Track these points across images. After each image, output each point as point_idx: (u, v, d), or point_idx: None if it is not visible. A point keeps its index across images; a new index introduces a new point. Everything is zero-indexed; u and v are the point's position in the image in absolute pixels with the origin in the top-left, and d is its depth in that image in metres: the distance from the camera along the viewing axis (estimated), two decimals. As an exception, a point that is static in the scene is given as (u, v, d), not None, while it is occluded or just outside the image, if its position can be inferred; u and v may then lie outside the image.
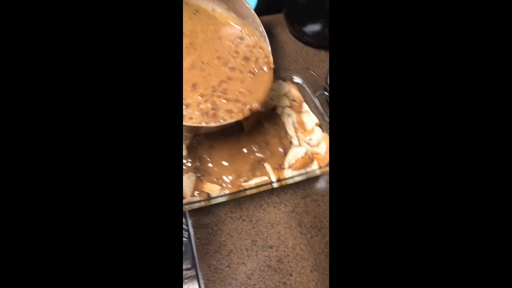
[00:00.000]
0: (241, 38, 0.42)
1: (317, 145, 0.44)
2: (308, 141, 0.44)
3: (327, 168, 0.40)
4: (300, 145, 0.43)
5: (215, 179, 0.39)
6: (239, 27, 0.42)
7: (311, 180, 0.44)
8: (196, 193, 0.38)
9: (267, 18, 0.60)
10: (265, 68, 0.40)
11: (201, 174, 0.39)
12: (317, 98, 0.46)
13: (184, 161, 0.40)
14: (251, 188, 0.38)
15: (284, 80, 0.48)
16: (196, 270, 0.37)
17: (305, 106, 0.47)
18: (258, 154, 0.41)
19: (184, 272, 0.39)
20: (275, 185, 0.39)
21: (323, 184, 0.44)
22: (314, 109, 0.46)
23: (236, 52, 0.41)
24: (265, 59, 0.40)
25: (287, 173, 0.41)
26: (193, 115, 0.35)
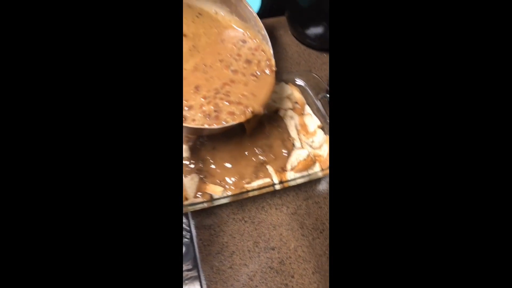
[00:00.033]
0: (244, 41, 0.42)
1: (319, 147, 0.44)
2: (310, 144, 0.44)
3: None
4: (302, 147, 0.44)
5: (218, 181, 0.40)
6: (241, 30, 0.43)
7: (313, 182, 0.44)
8: (198, 194, 0.38)
9: (269, 20, 0.60)
10: (267, 71, 0.40)
11: (204, 175, 0.40)
12: (320, 100, 0.46)
13: (187, 162, 0.40)
14: (253, 189, 0.38)
15: (287, 83, 0.48)
16: (198, 271, 0.38)
17: (308, 109, 0.47)
18: (260, 156, 0.41)
19: (186, 273, 0.39)
20: (277, 187, 0.39)
21: (325, 186, 0.44)
22: (316, 111, 0.46)
23: (239, 55, 0.41)
24: (267, 61, 0.41)
25: (290, 175, 0.41)
26: (196, 117, 0.36)
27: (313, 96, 0.47)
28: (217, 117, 0.36)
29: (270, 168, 0.41)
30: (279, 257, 0.39)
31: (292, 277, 0.38)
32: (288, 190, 0.43)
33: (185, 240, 0.41)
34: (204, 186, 0.39)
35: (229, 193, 0.39)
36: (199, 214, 0.40)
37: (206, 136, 0.42)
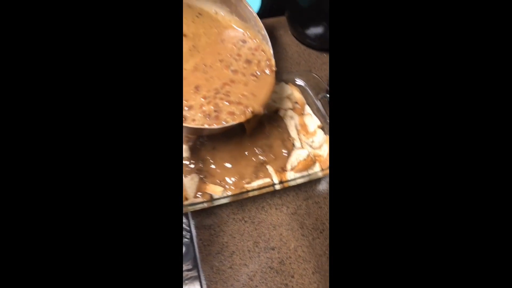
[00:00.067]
0: (244, 41, 0.42)
1: (319, 147, 0.44)
2: (310, 144, 0.44)
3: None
4: (302, 147, 0.44)
5: (218, 181, 0.40)
6: (241, 30, 0.43)
7: (313, 182, 0.44)
8: (199, 194, 0.38)
9: (269, 20, 0.60)
10: (267, 71, 0.40)
11: (204, 175, 0.40)
12: (320, 100, 0.46)
13: (187, 162, 0.40)
14: (253, 189, 0.38)
15: (287, 83, 0.48)
16: (198, 271, 0.38)
17: (308, 109, 0.47)
18: (260, 156, 0.41)
19: (186, 273, 0.39)
20: (277, 187, 0.39)
21: (325, 186, 0.44)
22: (316, 111, 0.46)
23: (239, 55, 0.41)
24: (267, 61, 0.41)
25: (290, 175, 0.41)
26: (196, 117, 0.36)
27: (313, 96, 0.47)
28: (217, 117, 0.36)
29: (270, 168, 0.41)
30: (279, 257, 0.39)
31: (292, 277, 0.38)
32: (288, 190, 0.43)
33: (185, 240, 0.41)
34: (204, 186, 0.39)
35: (229, 193, 0.39)
36: (199, 214, 0.40)
37: (206, 136, 0.42)
